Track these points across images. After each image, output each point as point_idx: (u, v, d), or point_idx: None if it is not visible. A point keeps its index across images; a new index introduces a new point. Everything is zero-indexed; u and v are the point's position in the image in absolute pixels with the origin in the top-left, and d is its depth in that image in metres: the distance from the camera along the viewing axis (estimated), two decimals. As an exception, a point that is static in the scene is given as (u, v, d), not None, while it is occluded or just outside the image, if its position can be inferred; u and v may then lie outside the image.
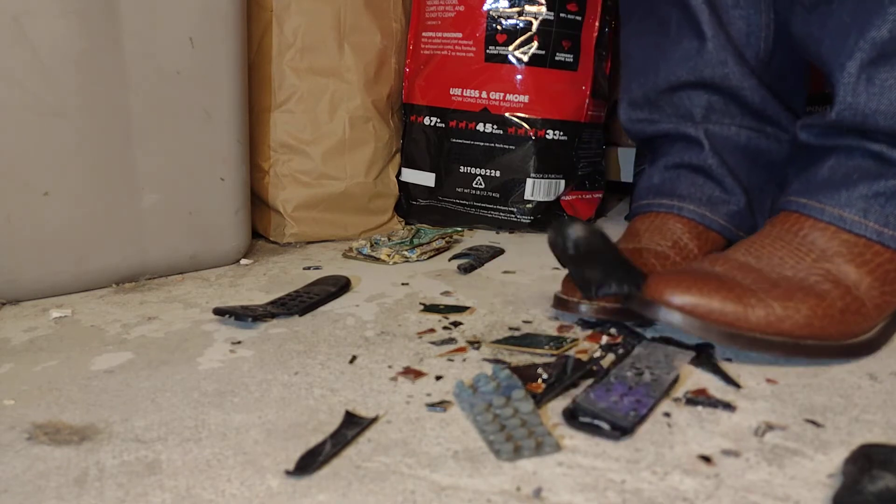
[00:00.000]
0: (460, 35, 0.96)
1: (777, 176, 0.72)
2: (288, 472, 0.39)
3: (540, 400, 0.46)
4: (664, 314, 0.50)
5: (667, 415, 0.45)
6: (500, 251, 0.85)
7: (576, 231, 0.50)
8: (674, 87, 0.70)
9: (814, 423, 0.44)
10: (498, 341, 0.56)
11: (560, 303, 0.60)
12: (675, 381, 0.49)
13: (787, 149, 0.71)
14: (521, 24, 0.93)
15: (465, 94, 0.96)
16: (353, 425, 0.44)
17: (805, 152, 0.62)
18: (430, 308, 0.65)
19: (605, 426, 0.43)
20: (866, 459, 0.38)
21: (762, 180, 0.72)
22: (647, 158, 0.77)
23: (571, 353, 0.54)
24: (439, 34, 0.98)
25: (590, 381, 0.49)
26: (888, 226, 0.55)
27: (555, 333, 0.58)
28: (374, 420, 0.45)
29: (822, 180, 0.58)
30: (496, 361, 0.53)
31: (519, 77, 0.94)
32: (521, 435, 0.42)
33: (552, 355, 0.53)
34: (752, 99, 0.68)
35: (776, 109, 0.70)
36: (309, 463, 0.40)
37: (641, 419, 0.44)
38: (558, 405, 0.46)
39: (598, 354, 0.53)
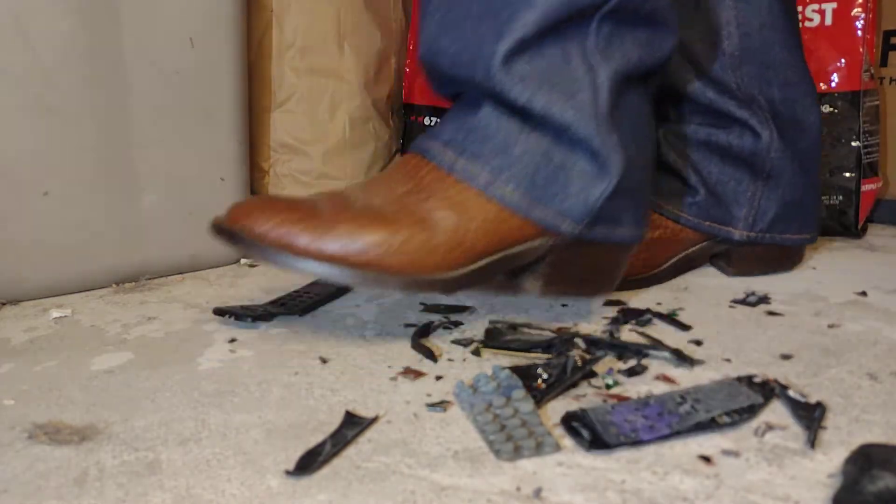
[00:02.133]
0: (460, 35, 0.96)
1: (750, 168, 0.71)
2: (288, 472, 0.39)
3: (540, 400, 0.46)
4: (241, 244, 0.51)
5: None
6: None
7: None
8: None
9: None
10: (494, 346, 0.56)
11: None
12: (710, 421, 0.44)
13: (752, 143, 0.70)
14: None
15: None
16: (353, 425, 0.44)
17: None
18: (430, 308, 0.65)
19: (586, 435, 0.42)
20: (866, 459, 0.38)
21: (737, 172, 0.71)
22: None
23: (572, 353, 0.54)
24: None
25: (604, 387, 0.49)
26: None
27: (552, 334, 0.59)
28: (374, 420, 0.45)
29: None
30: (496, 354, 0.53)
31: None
32: (520, 435, 0.42)
33: (548, 359, 0.53)
34: (714, 103, 0.70)
35: (740, 108, 0.70)
36: (309, 463, 0.40)
37: (635, 442, 0.41)
38: (559, 405, 0.46)
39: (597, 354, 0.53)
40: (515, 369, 0.50)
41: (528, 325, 0.59)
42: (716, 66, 0.69)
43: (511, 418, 0.43)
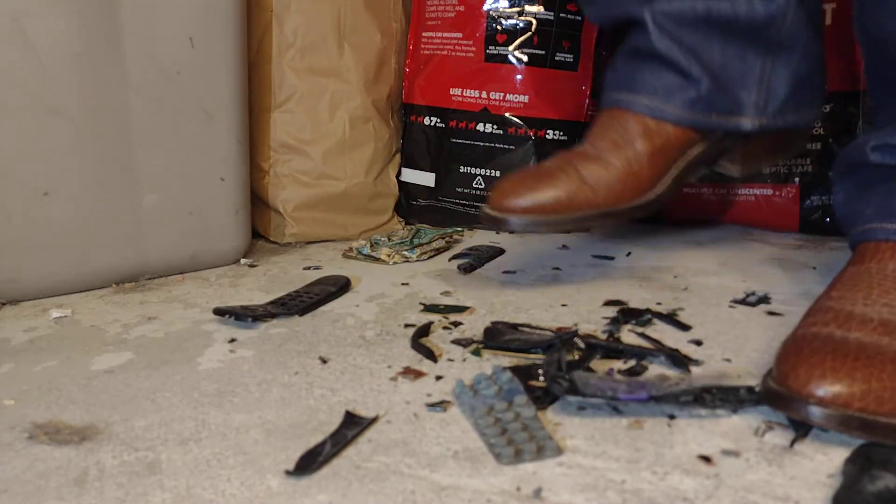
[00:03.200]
0: (460, 35, 0.96)
1: (759, 41, 0.62)
2: (288, 472, 0.39)
3: (544, 401, 0.46)
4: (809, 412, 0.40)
5: (670, 416, 0.45)
6: (501, 251, 0.85)
7: None
8: None
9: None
10: (493, 346, 0.56)
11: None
12: (686, 391, 0.45)
13: (762, 10, 0.60)
14: (521, 24, 0.93)
15: (465, 94, 0.96)
16: (353, 425, 0.44)
17: (881, 175, 0.56)
18: (430, 308, 0.65)
19: (564, 384, 0.44)
20: (866, 459, 0.38)
21: (744, 51, 0.62)
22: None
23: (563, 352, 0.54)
24: (439, 34, 0.98)
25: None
26: None
27: (552, 334, 0.58)
28: (373, 420, 0.45)
29: None
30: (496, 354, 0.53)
31: (519, 77, 0.94)
32: (522, 439, 0.42)
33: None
34: None
35: None
36: (309, 463, 0.40)
37: (611, 398, 0.44)
38: (559, 406, 0.46)
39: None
40: (515, 370, 0.50)
41: (528, 326, 0.59)
42: None
43: (512, 422, 0.43)
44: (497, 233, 0.88)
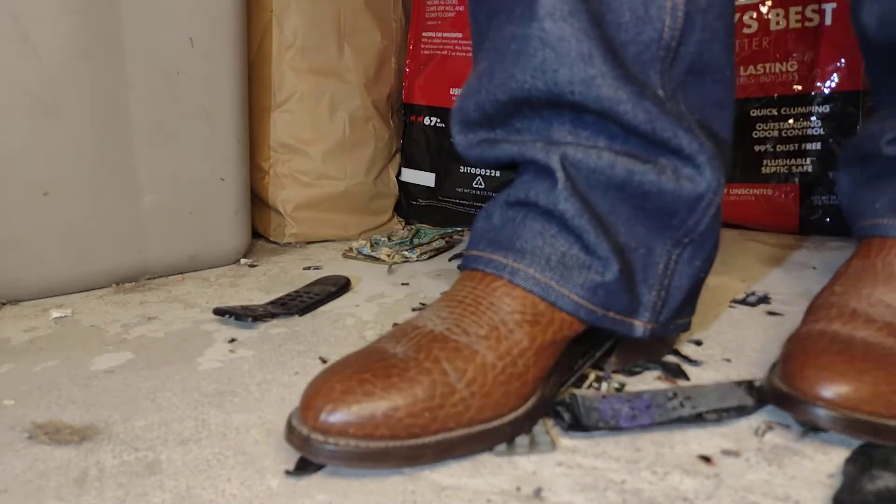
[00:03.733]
0: (460, 35, 0.96)
1: (677, 229, 0.48)
2: (288, 473, 0.39)
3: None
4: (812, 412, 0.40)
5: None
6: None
7: None
8: (518, 101, 0.46)
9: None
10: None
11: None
12: (688, 416, 0.44)
13: (689, 190, 0.46)
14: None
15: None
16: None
17: (889, 166, 0.53)
18: (430, 308, 0.65)
19: (567, 418, 0.43)
20: (866, 459, 0.38)
21: (653, 235, 0.48)
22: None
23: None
24: (439, 34, 0.98)
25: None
26: None
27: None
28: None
29: None
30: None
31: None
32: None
33: None
34: (636, 118, 0.44)
35: (675, 128, 0.45)
36: (309, 463, 0.40)
37: (613, 428, 0.42)
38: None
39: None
40: None
41: None
42: (643, 59, 0.45)
43: None
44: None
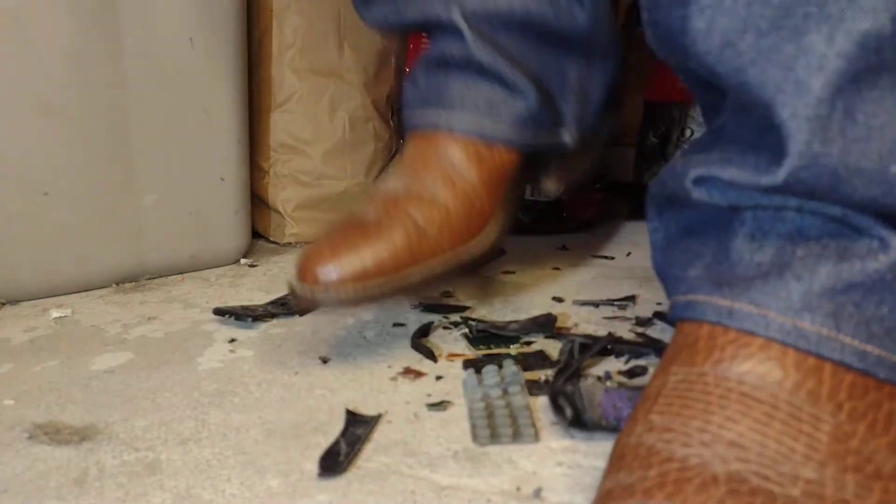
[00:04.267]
0: (460, 35, 0.96)
1: (579, 49, 0.54)
2: (320, 475, 0.39)
3: (552, 386, 0.47)
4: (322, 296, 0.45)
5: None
6: (501, 251, 0.85)
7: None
8: None
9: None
10: (475, 339, 0.56)
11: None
12: None
13: (586, 24, 0.53)
14: (521, 24, 0.93)
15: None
16: (359, 424, 0.44)
17: (707, 219, 0.39)
18: (430, 308, 0.65)
19: (568, 413, 0.43)
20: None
21: (561, 58, 0.54)
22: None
23: (577, 339, 0.54)
24: (439, 34, 0.98)
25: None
26: (873, 341, 0.32)
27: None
28: (378, 417, 0.45)
29: (747, 264, 0.35)
30: (498, 355, 0.53)
31: (519, 77, 0.94)
32: (503, 423, 0.42)
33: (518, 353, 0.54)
34: None
35: None
36: (333, 464, 0.40)
37: (614, 429, 0.42)
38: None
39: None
40: (523, 358, 0.51)
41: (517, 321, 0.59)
42: None
43: (502, 409, 0.44)
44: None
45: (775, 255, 0.34)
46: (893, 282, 0.32)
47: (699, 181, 0.37)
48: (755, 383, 0.31)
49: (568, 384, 0.46)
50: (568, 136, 0.54)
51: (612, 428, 0.42)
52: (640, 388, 0.46)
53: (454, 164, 0.49)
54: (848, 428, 0.30)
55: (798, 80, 0.31)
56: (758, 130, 0.34)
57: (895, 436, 0.30)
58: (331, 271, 0.45)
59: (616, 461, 0.32)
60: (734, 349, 0.32)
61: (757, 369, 0.31)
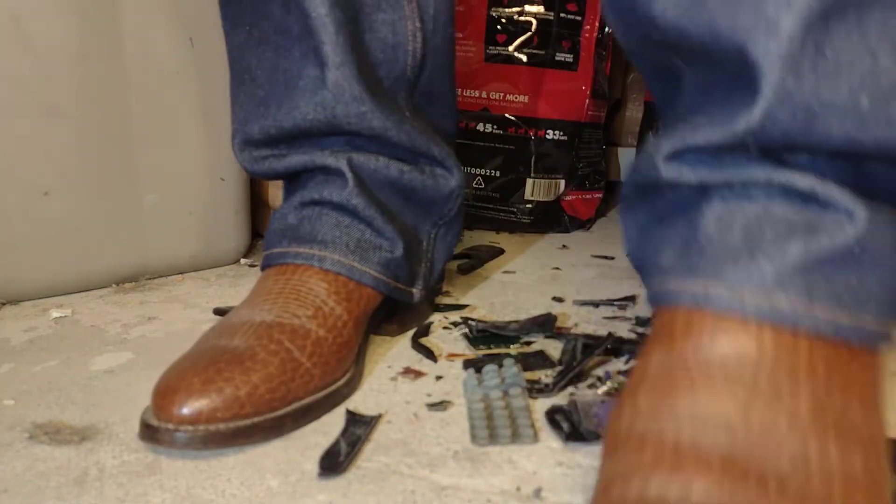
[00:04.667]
0: (460, 35, 0.96)
1: (435, 215, 0.60)
2: (320, 475, 0.39)
3: (550, 390, 0.47)
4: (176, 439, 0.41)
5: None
6: (500, 251, 0.85)
7: None
8: (302, 130, 0.54)
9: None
10: (475, 339, 0.56)
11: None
12: None
13: (443, 186, 0.59)
14: (521, 24, 0.93)
15: (464, 93, 0.96)
16: (360, 424, 0.44)
17: (678, 200, 0.38)
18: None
19: (565, 428, 0.43)
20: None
21: (418, 220, 0.59)
22: (284, 195, 0.60)
23: (580, 339, 0.54)
24: (439, 34, 0.98)
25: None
26: (845, 311, 0.33)
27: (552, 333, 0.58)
28: (378, 417, 0.45)
29: (718, 246, 0.35)
30: (499, 355, 0.53)
31: (519, 77, 0.94)
32: (502, 425, 0.42)
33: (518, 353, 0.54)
34: (400, 139, 0.55)
35: (427, 142, 0.57)
36: (334, 464, 0.40)
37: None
38: (559, 400, 0.46)
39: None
40: (524, 358, 0.51)
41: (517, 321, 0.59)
42: (395, 89, 0.56)
43: (501, 410, 0.44)
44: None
45: (745, 236, 0.34)
46: (861, 253, 0.33)
47: (672, 157, 0.37)
48: (735, 363, 0.32)
49: (566, 396, 0.46)
50: (417, 295, 0.58)
51: None
52: None
53: (324, 299, 0.50)
54: (826, 399, 0.31)
55: (768, 20, 0.32)
56: (731, 78, 0.35)
57: (872, 401, 0.32)
58: (202, 403, 0.41)
59: (610, 450, 0.33)
60: (712, 331, 0.33)
61: (736, 349, 0.32)
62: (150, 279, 0.77)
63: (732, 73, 0.34)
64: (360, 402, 0.48)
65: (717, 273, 0.34)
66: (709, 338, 0.33)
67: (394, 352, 0.56)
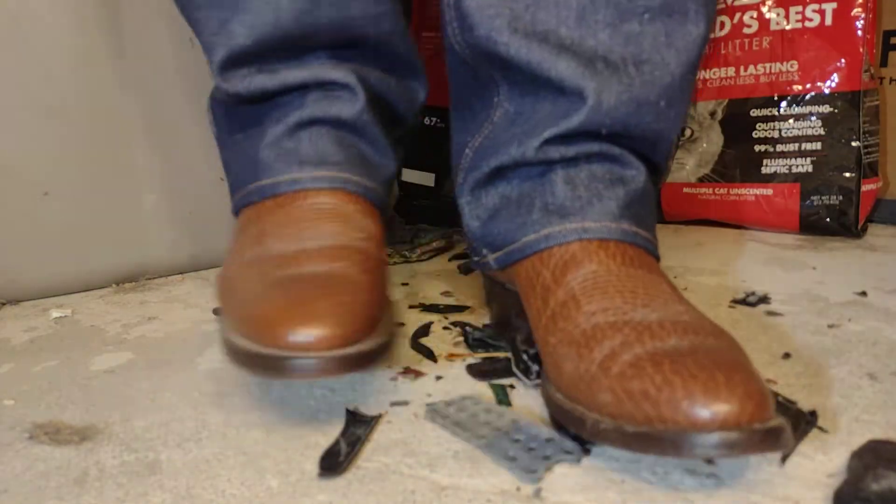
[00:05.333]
0: (460, 35, 0.96)
1: (401, 128, 0.60)
2: (320, 475, 0.39)
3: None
4: None
5: (667, 415, 0.45)
6: (500, 251, 0.85)
7: None
8: (306, 34, 0.50)
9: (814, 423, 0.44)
10: (474, 343, 0.56)
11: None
12: None
13: (415, 99, 0.60)
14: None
15: (465, 94, 0.96)
16: (360, 423, 0.44)
17: (525, 177, 0.49)
18: (430, 308, 0.65)
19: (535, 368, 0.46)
20: (873, 456, 0.38)
21: (388, 133, 0.57)
22: (245, 119, 0.54)
23: None
24: (439, 34, 0.98)
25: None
26: (643, 228, 0.48)
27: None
28: (379, 417, 0.45)
29: (573, 200, 0.47)
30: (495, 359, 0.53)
31: (519, 77, 0.94)
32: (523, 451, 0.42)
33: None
34: (399, 49, 0.55)
35: (412, 51, 0.58)
36: (334, 464, 0.40)
37: None
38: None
39: None
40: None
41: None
42: None
43: (512, 443, 0.44)
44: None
45: (588, 191, 0.47)
46: (644, 193, 0.49)
47: (545, 143, 0.48)
48: (605, 271, 0.44)
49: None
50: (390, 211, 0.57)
51: None
52: None
53: (359, 220, 0.48)
54: (647, 279, 0.44)
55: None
56: (554, 94, 0.47)
57: (658, 276, 0.45)
58: (331, 330, 0.38)
59: (583, 346, 0.40)
60: (586, 251, 0.45)
61: (603, 259, 0.45)
62: (150, 279, 0.77)
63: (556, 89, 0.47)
64: (360, 401, 0.48)
65: (581, 214, 0.46)
66: (590, 257, 0.45)
67: (394, 352, 0.56)
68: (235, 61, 0.51)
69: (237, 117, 0.54)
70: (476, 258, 0.54)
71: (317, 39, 0.50)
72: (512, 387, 0.48)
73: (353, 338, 0.39)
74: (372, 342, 0.40)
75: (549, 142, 0.47)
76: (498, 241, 0.50)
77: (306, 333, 0.38)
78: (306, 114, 0.50)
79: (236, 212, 0.52)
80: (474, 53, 0.49)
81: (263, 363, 0.38)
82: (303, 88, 0.51)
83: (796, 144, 0.89)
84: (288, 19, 0.48)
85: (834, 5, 0.86)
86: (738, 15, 0.90)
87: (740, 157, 0.92)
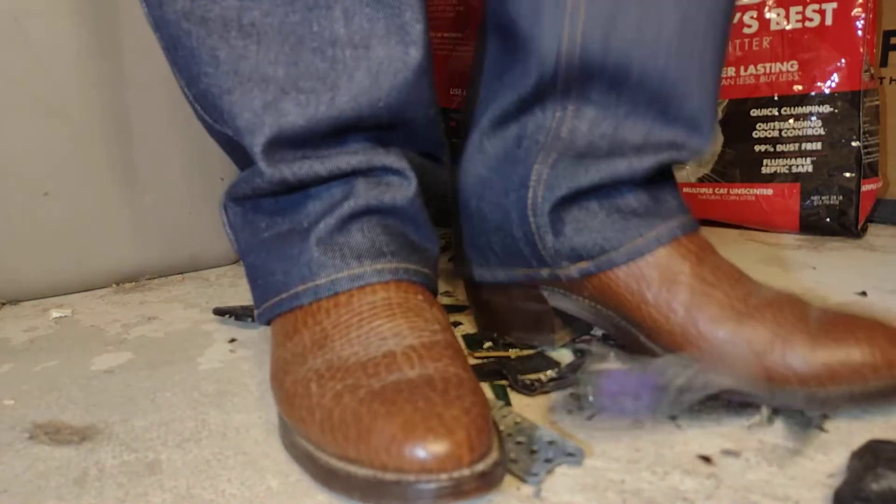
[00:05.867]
0: (460, 35, 0.96)
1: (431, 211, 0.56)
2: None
3: (537, 389, 0.47)
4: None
5: (671, 416, 0.45)
6: (500, 251, 0.85)
7: None
8: (363, 119, 0.46)
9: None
10: (473, 346, 0.56)
11: None
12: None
13: (439, 176, 0.59)
14: (521, 24, 0.93)
15: (464, 94, 0.96)
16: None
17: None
18: (430, 308, 0.65)
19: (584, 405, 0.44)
20: (873, 456, 0.38)
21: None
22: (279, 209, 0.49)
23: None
24: (439, 34, 0.98)
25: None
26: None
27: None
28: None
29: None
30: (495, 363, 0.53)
31: (519, 77, 0.94)
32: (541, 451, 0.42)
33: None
34: (432, 131, 0.53)
35: (440, 132, 0.55)
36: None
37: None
38: (560, 405, 0.46)
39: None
40: (523, 359, 0.51)
41: None
42: None
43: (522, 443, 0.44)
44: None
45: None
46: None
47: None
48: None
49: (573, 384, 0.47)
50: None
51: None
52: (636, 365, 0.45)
53: (430, 311, 0.44)
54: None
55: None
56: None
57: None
58: (466, 443, 0.34)
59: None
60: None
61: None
62: (150, 279, 0.77)
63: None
64: (360, 402, 0.48)
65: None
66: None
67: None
68: (284, 143, 0.45)
69: (266, 213, 0.48)
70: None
71: (367, 122, 0.46)
72: (512, 387, 0.48)
73: (483, 450, 0.34)
74: (498, 451, 0.35)
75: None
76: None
77: (442, 450, 0.33)
78: (360, 203, 0.45)
79: (270, 319, 0.46)
80: None
81: (394, 493, 0.34)
82: (348, 175, 0.47)
83: (796, 144, 0.89)
84: (344, 100, 0.44)
85: (834, 5, 0.86)
86: (738, 15, 0.90)
87: (740, 157, 0.92)
